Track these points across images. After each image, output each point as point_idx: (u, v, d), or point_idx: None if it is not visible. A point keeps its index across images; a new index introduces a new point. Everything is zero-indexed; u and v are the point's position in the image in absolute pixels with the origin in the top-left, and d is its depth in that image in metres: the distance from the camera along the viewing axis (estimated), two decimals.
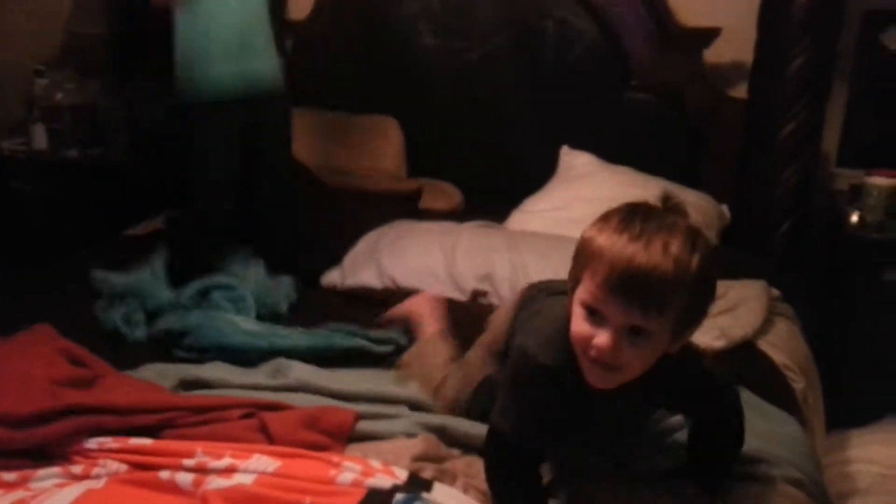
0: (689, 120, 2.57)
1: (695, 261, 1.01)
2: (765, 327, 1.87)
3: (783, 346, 1.85)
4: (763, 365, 1.76)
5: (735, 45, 2.50)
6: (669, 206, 1.08)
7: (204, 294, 1.89)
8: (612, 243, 1.02)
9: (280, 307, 1.95)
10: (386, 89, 2.92)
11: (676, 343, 1.08)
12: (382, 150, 2.87)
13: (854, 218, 2.37)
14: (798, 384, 1.77)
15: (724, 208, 2.52)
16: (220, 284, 1.90)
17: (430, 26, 2.81)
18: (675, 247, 1.01)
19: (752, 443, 1.28)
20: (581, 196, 2.44)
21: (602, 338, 1.04)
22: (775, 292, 2.03)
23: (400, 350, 1.69)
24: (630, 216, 1.05)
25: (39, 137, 3.20)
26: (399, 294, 1.95)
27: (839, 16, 2.31)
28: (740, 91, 2.55)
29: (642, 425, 1.36)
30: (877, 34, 2.51)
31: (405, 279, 2.07)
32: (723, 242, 2.40)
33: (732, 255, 2.25)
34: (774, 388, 1.67)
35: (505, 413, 1.17)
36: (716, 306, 1.78)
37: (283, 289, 2.01)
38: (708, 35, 2.50)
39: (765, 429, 1.39)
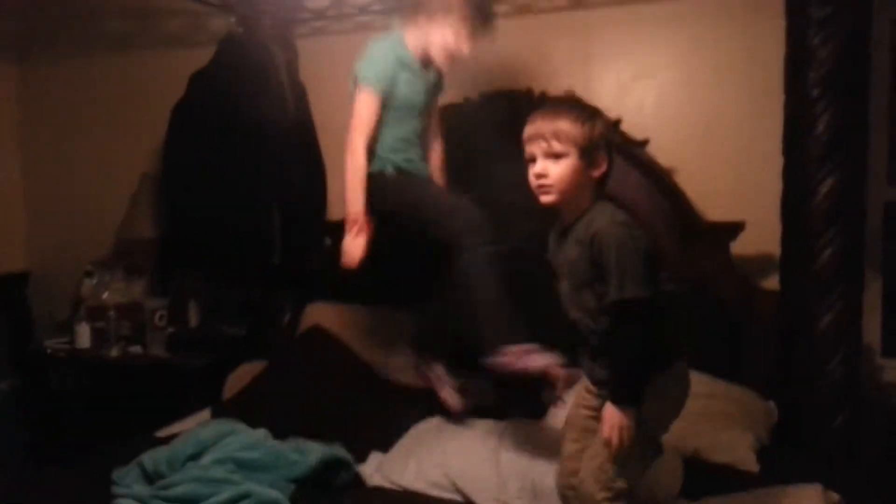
0: (723, 312, 2.54)
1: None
2: None
3: None
4: None
5: (761, 238, 2.52)
6: None
7: None
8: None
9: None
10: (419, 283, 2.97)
11: (592, 168, 1.65)
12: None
13: None
14: None
15: (771, 405, 2.41)
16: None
17: None
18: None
19: None
20: None
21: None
22: (834, 497, 1.88)
23: None
24: None
25: (83, 336, 3.29)
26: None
27: (862, 205, 2.33)
28: (772, 283, 2.54)
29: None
30: None
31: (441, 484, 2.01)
32: (773, 441, 2.28)
33: (784, 455, 2.12)
34: None
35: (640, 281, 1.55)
36: None
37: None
38: (732, 229, 2.53)
39: None
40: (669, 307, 1.68)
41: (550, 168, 1.65)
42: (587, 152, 1.64)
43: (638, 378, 1.60)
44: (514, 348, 1.93)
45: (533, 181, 1.70)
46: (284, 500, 1.87)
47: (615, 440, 1.58)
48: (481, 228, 2.05)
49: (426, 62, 2.17)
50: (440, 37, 2.07)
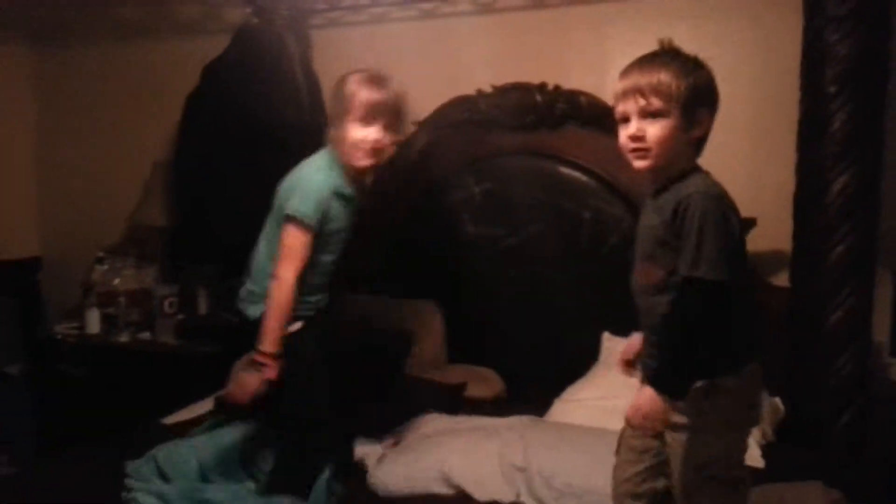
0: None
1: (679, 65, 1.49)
2: None
3: None
4: None
5: (772, 235, 2.52)
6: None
7: None
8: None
9: None
10: (428, 275, 2.99)
11: (694, 129, 1.48)
12: (423, 335, 2.88)
13: None
14: None
15: (777, 401, 2.42)
16: None
17: (471, 215, 2.93)
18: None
19: None
20: (624, 382, 2.37)
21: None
22: (836, 494, 1.88)
23: None
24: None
25: (93, 322, 3.31)
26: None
27: (876, 203, 2.32)
28: (782, 279, 2.54)
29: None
30: None
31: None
32: (779, 438, 2.28)
33: (788, 452, 2.12)
34: None
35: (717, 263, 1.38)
36: None
37: None
38: (744, 225, 2.52)
39: None
40: (747, 301, 1.54)
41: (648, 129, 1.46)
42: (689, 110, 1.46)
43: (687, 367, 1.42)
44: None
45: (626, 144, 1.50)
46: None
47: (636, 422, 1.46)
48: (319, 437, 2.00)
49: (357, 177, 2.06)
50: (347, 137, 1.94)
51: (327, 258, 2.06)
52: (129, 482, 1.94)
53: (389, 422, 2.36)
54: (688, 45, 2.71)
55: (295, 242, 1.92)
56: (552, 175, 2.82)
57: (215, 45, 3.14)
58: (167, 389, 2.95)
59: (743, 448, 1.54)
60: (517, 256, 2.85)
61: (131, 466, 2.03)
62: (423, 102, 2.99)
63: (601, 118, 2.75)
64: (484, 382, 2.70)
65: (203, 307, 3.37)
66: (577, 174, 2.79)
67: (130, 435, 2.34)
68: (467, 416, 2.34)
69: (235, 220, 3.03)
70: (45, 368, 3.34)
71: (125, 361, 3.17)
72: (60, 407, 3.26)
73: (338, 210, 2.00)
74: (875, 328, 2.38)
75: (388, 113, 1.94)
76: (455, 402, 2.52)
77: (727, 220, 1.42)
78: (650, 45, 2.75)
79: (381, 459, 2.17)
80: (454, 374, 2.73)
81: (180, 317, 3.28)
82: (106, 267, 3.42)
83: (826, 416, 2.29)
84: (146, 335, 3.27)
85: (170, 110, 3.31)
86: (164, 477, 2.02)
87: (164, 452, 2.08)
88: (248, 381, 1.93)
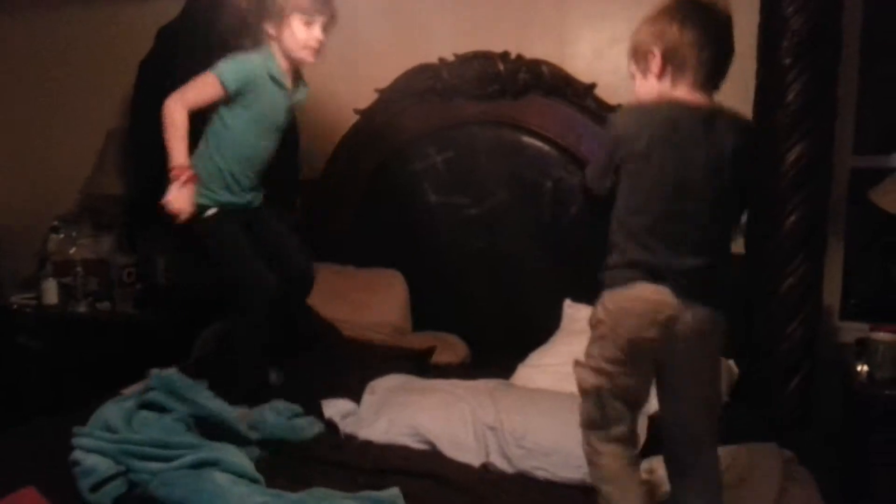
0: None
1: None
2: (781, 497, 1.78)
3: None
4: None
5: None
6: None
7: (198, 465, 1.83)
8: None
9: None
10: (391, 244, 3.00)
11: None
12: (387, 303, 2.90)
13: (863, 370, 2.34)
14: None
15: (731, 363, 2.49)
16: (216, 460, 1.83)
17: (433, 184, 2.93)
18: None
19: None
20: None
21: None
22: (788, 454, 1.96)
23: None
24: None
25: (50, 292, 3.26)
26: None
27: (828, 173, 2.39)
28: (737, 247, 2.59)
29: None
30: (865, 190, 2.58)
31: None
32: (733, 399, 2.35)
33: (742, 413, 2.20)
34: None
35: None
36: (727, 476, 1.74)
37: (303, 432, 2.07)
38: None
39: None
40: None
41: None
42: (638, 64, 1.64)
43: None
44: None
45: None
46: (251, 466, 1.85)
47: None
48: (263, 305, 2.18)
49: (296, 75, 2.25)
50: (292, 36, 2.12)
51: (251, 141, 2.21)
52: (73, 441, 1.91)
53: (356, 387, 2.38)
54: None
55: (200, 81, 2.13)
56: (514, 144, 2.83)
57: (169, 10, 3.06)
58: (127, 359, 2.92)
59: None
60: (480, 225, 2.87)
61: (77, 429, 1.99)
62: (385, 70, 2.97)
63: (563, 88, 2.77)
64: (449, 348, 2.74)
65: (162, 276, 3.33)
66: (539, 143, 2.81)
67: (89, 405, 2.31)
68: (436, 380, 2.37)
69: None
70: (2, 340, 3.28)
71: (84, 332, 3.13)
72: (18, 379, 3.21)
73: (270, 93, 2.17)
74: (825, 293, 2.46)
75: (328, 13, 2.14)
76: (423, 367, 2.56)
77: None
78: (612, 16, 2.79)
79: (352, 413, 2.22)
80: (419, 340, 2.76)
81: (139, 286, 3.24)
82: (61, 236, 3.36)
83: (777, 379, 2.37)
84: (105, 305, 3.23)
85: (123, 76, 3.22)
86: (110, 430, 1.99)
87: (110, 408, 2.06)
88: (175, 197, 2.11)
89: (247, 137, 2.20)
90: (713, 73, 1.58)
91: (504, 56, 2.83)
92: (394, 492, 1.73)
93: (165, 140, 2.11)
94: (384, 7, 2.99)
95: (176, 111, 2.11)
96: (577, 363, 1.63)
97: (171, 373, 2.14)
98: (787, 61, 2.26)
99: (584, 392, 1.60)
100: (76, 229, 3.40)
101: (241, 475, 1.77)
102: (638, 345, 1.54)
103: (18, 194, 3.67)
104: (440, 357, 2.67)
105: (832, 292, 2.62)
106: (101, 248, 3.37)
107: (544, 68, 2.79)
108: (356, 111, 3.02)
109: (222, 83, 2.10)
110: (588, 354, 1.61)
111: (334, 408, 2.24)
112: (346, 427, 2.18)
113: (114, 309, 3.20)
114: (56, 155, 3.57)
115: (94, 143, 3.40)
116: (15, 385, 3.22)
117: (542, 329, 2.64)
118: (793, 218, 2.34)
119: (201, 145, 2.23)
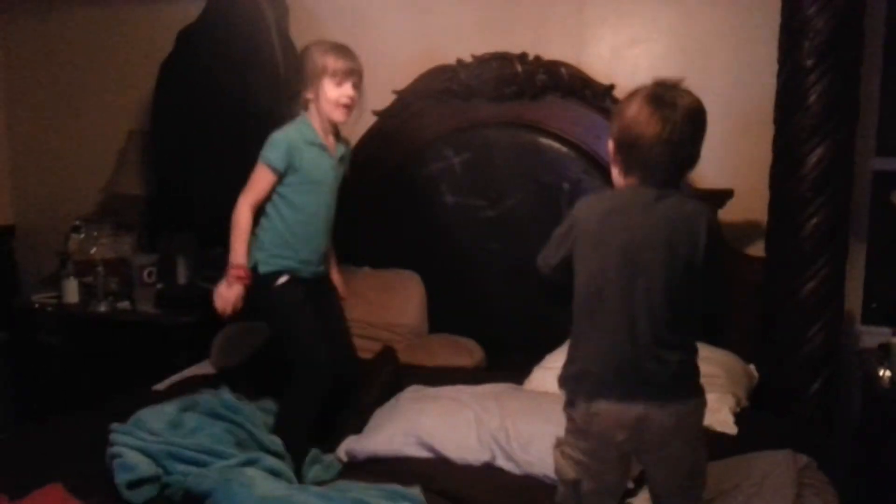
0: None
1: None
2: None
3: None
4: None
5: (749, 206, 2.56)
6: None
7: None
8: None
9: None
10: (408, 245, 3.00)
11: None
12: (404, 304, 2.90)
13: (885, 375, 2.31)
14: None
15: (752, 368, 2.47)
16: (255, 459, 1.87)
17: (451, 186, 2.93)
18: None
19: None
20: None
21: None
22: (804, 460, 1.94)
23: None
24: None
25: (71, 291, 3.28)
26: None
27: (850, 176, 2.36)
28: (757, 250, 2.58)
29: None
30: (887, 193, 2.55)
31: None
32: (752, 404, 2.34)
33: (761, 418, 2.18)
34: None
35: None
36: (741, 488, 1.72)
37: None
38: (721, 196, 2.56)
39: None
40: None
41: None
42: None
43: None
44: None
45: None
46: (288, 469, 1.90)
47: None
48: (323, 383, 2.17)
49: (335, 135, 2.31)
50: (325, 98, 2.20)
51: (309, 203, 2.24)
52: (113, 437, 1.94)
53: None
54: (667, 17, 2.77)
55: (255, 176, 2.20)
56: (532, 146, 2.82)
57: (191, 11, 3.08)
58: (147, 359, 2.95)
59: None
60: (497, 227, 2.86)
61: (116, 426, 2.02)
62: (403, 72, 2.97)
63: (581, 89, 2.76)
64: (464, 351, 2.73)
65: (182, 276, 3.36)
66: (556, 145, 2.79)
67: (117, 401, 2.34)
68: (445, 386, 2.36)
69: (213, 188, 3.02)
70: (23, 338, 3.32)
71: (104, 331, 3.16)
72: (40, 376, 3.25)
73: (312, 158, 2.22)
74: (847, 297, 2.43)
75: (357, 74, 2.22)
76: (434, 375, 2.49)
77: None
78: (631, 17, 2.78)
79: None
80: (435, 343, 2.76)
81: (159, 286, 3.26)
82: (82, 236, 3.39)
83: (798, 384, 2.35)
84: (125, 304, 3.25)
85: (144, 77, 3.25)
86: (150, 432, 2.02)
87: (149, 410, 2.09)
88: (224, 291, 2.16)
89: (307, 202, 2.24)
90: (666, 170, 1.50)
91: (522, 57, 2.83)
92: (416, 489, 1.73)
93: (231, 238, 2.17)
94: (402, 8, 3.01)
95: (244, 213, 2.18)
96: (557, 447, 1.59)
97: (229, 395, 2.20)
98: (810, 62, 2.24)
99: (562, 481, 1.58)
100: (97, 229, 3.43)
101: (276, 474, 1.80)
102: (607, 442, 1.50)
103: (40, 194, 3.72)
104: (455, 360, 2.67)
105: (854, 296, 2.59)
106: (121, 247, 3.40)
107: (562, 69, 2.78)
108: (374, 112, 3.02)
109: (272, 168, 2.18)
110: (566, 442, 1.57)
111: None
112: (349, 444, 2.13)
113: (134, 308, 3.23)
114: (77, 155, 3.61)
115: (116, 143, 3.43)
116: (35, 382, 3.26)
117: (559, 331, 2.60)
118: (814, 221, 2.32)
119: (262, 221, 2.26)
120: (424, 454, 2.04)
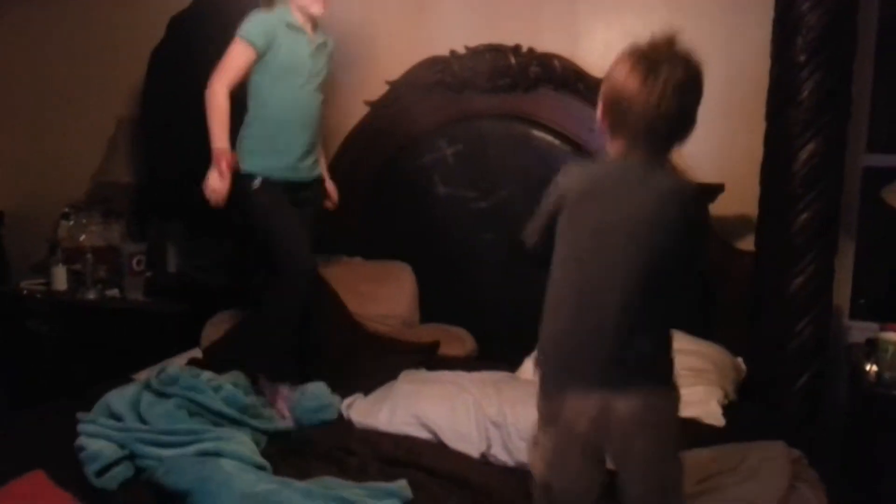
0: None
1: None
2: (788, 496, 1.76)
3: None
4: None
5: (739, 200, 2.56)
6: None
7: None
8: None
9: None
10: (400, 236, 3.00)
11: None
12: (396, 295, 2.90)
13: (872, 370, 2.33)
14: None
15: (740, 361, 2.49)
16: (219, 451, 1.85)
17: (443, 177, 2.93)
18: None
19: None
20: None
21: None
22: (796, 453, 1.95)
23: None
24: None
25: (59, 278, 3.27)
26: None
27: (841, 172, 2.37)
28: (748, 244, 2.59)
29: None
30: (878, 190, 2.57)
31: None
32: (740, 397, 2.35)
33: (749, 411, 2.19)
34: None
35: None
36: (735, 473, 1.73)
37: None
38: (712, 190, 2.56)
39: None
40: None
41: None
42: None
43: None
44: (275, 387, 2.16)
45: None
46: (255, 452, 1.88)
47: None
48: (302, 283, 2.17)
49: (313, 25, 2.29)
50: None
51: (290, 94, 2.21)
52: (79, 427, 1.93)
53: (364, 380, 2.38)
54: (660, 11, 2.76)
55: (231, 52, 2.15)
56: (525, 138, 2.82)
57: None
58: (136, 347, 2.94)
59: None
60: (489, 218, 2.87)
61: (81, 415, 2.01)
62: (396, 63, 2.96)
63: (574, 82, 2.76)
64: (456, 341, 2.74)
65: (172, 264, 3.35)
66: (549, 138, 2.80)
67: (96, 390, 2.33)
68: (442, 372, 2.37)
69: (203, 177, 3.01)
70: (11, 324, 3.30)
71: (93, 319, 3.14)
72: (28, 363, 3.23)
73: (291, 42, 2.20)
74: (835, 292, 2.45)
75: None
76: (428, 361, 2.55)
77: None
78: (625, 9, 2.77)
79: (357, 402, 2.24)
80: (427, 333, 2.77)
81: (149, 274, 3.25)
82: (72, 223, 3.37)
83: (786, 377, 2.37)
84: (114, 292, 3.24)
85: (134, 65, 3.23)
86: (115, 417, 2.01)
87: (114, 393, 2.08)
88: (214, 182, 2.12)
89: (284, 92, 2.20)
90: (655, 140, 1.41)
91: (515, 49, 2.82)
92: (401, 483, 1.73)
93: (208, 123, 2.12)
94: None
95: (219, 93, 2.12)
96: (534, 445, 1.55)
97: (176, 369, 2.16)
98: (802, 58, 2.25)
99: (536, 480, 1.53)
100: (86, 216, 3.41)
101: (246, 462, 1.78)
102: (571, 431, 1.44)
103: (29, 181, 3.69)
104: (447, 349, 2.67)
105: (842, 291, 2.61)
106: (110, 235, 3.38)
107: (556, 62, 2.78)
108: (367, 103, 3.01)
109: (251, 43, 2.13)
110: (539, 441, 1.53)
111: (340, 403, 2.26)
112: (350, 414, 2.19)
113: (123, 296, 3.21)
114: (67, 142, 3.58)
115: (105, 131, 3.41)
116: (23, 369, 3.24)
117: None
118: (804, 216, 2.33)
119: (245, 118, 2.23)
120: (422, 434, 2.08)
